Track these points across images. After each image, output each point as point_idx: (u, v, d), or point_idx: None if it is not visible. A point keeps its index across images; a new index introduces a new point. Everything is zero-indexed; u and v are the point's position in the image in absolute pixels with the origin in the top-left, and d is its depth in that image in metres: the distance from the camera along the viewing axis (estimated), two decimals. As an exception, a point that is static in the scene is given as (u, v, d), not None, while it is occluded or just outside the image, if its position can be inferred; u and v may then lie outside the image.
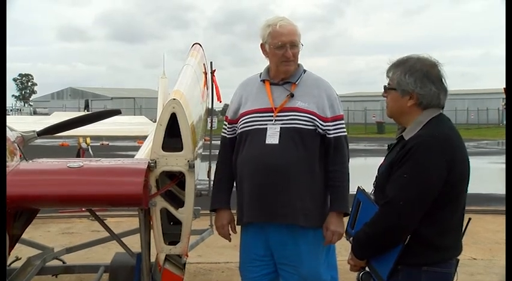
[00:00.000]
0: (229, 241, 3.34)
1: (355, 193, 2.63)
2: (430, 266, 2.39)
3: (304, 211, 3.08)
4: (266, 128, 3.12)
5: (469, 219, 2.55)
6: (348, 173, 3.18)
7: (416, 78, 2.44)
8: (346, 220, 3.11)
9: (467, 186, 2.51)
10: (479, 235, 7.29)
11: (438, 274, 2.41)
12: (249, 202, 3.14)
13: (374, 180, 2.61)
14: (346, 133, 3.22)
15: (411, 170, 2.35)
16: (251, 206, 3.14)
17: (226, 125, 3.33)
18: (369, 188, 2.61)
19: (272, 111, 3.14)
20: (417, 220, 2.35)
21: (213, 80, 3.80)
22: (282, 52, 3.13)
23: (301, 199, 3.07)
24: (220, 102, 3.92)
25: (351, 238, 2.56)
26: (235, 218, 3.28)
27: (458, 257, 2.51)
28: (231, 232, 3.30)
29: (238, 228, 3.30)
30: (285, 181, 3.06)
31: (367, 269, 2.51)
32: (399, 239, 2.36)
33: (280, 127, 3.10)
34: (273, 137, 3.10)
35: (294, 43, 3.14)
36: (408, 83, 2.45)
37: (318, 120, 3.11)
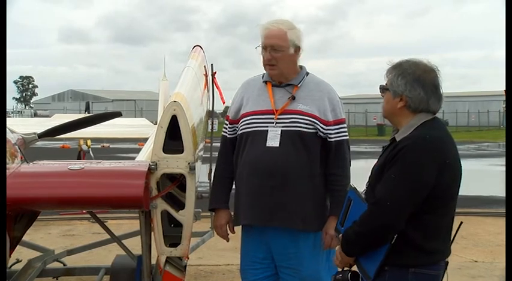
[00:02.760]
0: (227, 241, 3.33)
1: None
2: (417, 268, 2.41)
3: (303, 214, 3.07)
4: (267, 130, 3.11)
5: (461, 222, 2.56)
6: (349, 177, 3.16)
7: (407, 82, 2.48)
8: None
9: (458, 190, 2.52)
10: (480, 238, 7.29)
11: (425, 275, 2.42)
12: (247, 203, 3.14)
13: (368, 180, 2.63)
14: (348, 137, 3.21)
15: (400, 171, 2.37)
16: (249, 208, 3.13)
17: (227, 125, 3.31)
18: (363, 188, 2.63)
19: (273, 114, 3.13)
20: (404, 220, 2.36)
21: (213, 82, 3.80)
22: (263, 54, 3.14)
23: (299, 203, 3.07)
24: (224, 103, 3.93)
25: (340, 235, 2.57)
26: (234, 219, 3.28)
27: (447, 260, 2.52)
28: (229, 232, 3.30)
29: (236, 229, 3.30)
30: (284, 184, 3.05)
31: (352, 268, 2.53)
32: (386, 238, 2.38)
33: (281, 130, 3.09)
34: (273, 139, 3.09)
35: (274, 47, 3.11)
36: (399, 85, 2.49)
37: (319, 123, 3.10)
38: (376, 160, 2.63)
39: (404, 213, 2.36)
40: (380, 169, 2.49)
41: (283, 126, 3.10)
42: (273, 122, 3.12)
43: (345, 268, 2.55)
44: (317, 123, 3.10)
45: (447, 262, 2.51)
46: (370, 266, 2.44)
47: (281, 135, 3.08)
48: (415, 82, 2.47)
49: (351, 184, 2.64)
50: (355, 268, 2.54)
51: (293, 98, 3.15)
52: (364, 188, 2.61)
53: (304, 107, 3.12)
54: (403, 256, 2.39)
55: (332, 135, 3.13)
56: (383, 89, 2.57)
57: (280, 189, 3.05)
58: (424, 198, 2.37)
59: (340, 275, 2.54)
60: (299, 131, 3.08)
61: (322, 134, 3.11)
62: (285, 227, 3.09)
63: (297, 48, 3.16)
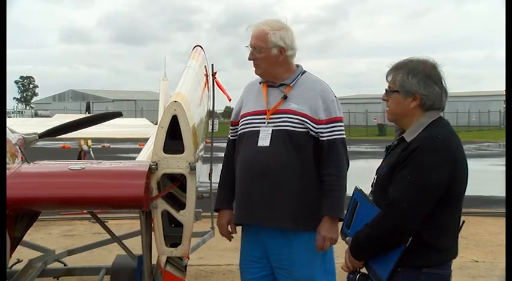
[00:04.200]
0: (230, 240, 3.35)
1: (352, 193, 2.63)
2: (430, 268, 2.40)
3: (293, 214, 3.07)
4: (259, 130, 3.13)
5: (463, 222, 2.55)
6: (344, 177, 3.13)
7: (420, 79, 2.45)
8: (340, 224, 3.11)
9: (466, 189, 2.51)
10: (481, 238, 7.29)
11: (438, 275, 2.42)
12: (239, 203, 3.19)
13: (372, 181, 2.60)
14: (343, 136, 3.16)
15: (415, 171, 2.35)
16: (242, 208, 3.18)
17: (230, 127, 3.38)
18: (366, 189, 2.61)
19: (266, 114, 3.15)
20: (420, 220, 2.35)
21: (214, 82, 3.80)
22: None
23: (289, 203, 3.06)
24: (230, 100, 3.95)
25: (347, 238, 2.55)
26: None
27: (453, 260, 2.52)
28: (232, 232, 3.32)
29: (238, 229, 3.32)
30: (274, 183, 3.06)
31: (363, 270, 2.51)
32: (402, 240, 2.36)
33: (272, 130, 3.11)
34: (264, 139, 3.10)
35: (255, 47, 3.17)
36: (412, 84, 2.45)
37: (309, 122, 3.09)
38: (381, 161, 2.61)
39: (420, 214, 2.34)
40: (390, 170, 2.45)
41: (274, 126, 3.11)
42: (264, 122, 3.13)
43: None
44: (307, 122, 3.09)
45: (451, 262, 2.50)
46: (382, 269, 2.41)
47: (272, 135, 3.09)
48: (427, 79, 2.45)
49: (356, 186, 2.61)
50: (364, 270, 2.52)
51: (285, 97, 3.16)
52: (370, 189, 2.59)
53: (296, 107, 3.12)
54: (416, 257, 2.37)
55: (324, 134, 3.10)
56: (392, 91, 2.52)
57: (271, 188, 3.06)
58: (439, 198, 2.36)
59: (351, 275, 2.52)
60: (289, 131, 3.08)
61: (313, 133, 3.10)
62: (278, 228, 3.09)
63: (282, 49, 3.16)
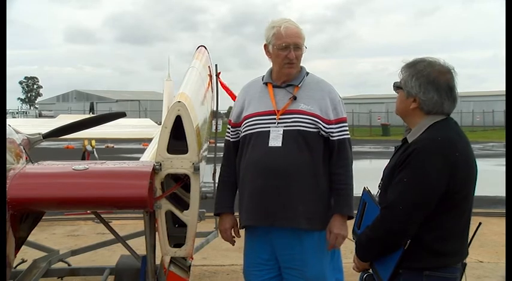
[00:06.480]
0: (233, 245, 3.33)
1: (360, 194, 2.64)
2: (431, 271, 2.38)
3: (307, 214, 3.07)
4: (269, 130, 3.12)
5: (480, 223, 2.52)
6: (352, 176, 3.17)
7: (421, 83, 2.43)
8: (350, 223, 3.11)
9: (474, 191, 2.47)
10: (486, 238, 7.26)
11: (440, 279, 2.39)
12: (250, 204, 3.14)
13: (379, 181, 2.60)
14: (349, 136, 3.21)
15: (411, 175, 2.34)
16: (252, 209, 3.14)
17: (229, 129, 3.33)
18: (374, 190, 2.61)
19: (275, 114, 3.13)
20: (417, 224, 2.34)
21: (218, 83, 3.80)
22: (285, 53, 3.12)
23: (304, 202, 3.06)
24: (235, 99, 3.93)
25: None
26: (238, 222, 3.28)
27: (466, 261, 2.49)
28: (234, 236, 3.30)
29: (242, 232, 3.30)
30: (288, 183, 3.05)
31: (370, 271, 2.51)
32: (399, 243, 2.35)
33: (283, 130, 3.10)
34: (276, 139, 3.09)
35: (297, 45, 3.14)
36: (413, 87, 2.45)
37: (321, 122, 3.11)
38: (388, 161, 2.59)
39: (417, 217, 2.33)
40: (390, 171, 2.45)
41: (285, 126, 3.10)
42: (274, 123, 3.12)
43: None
44: (319, 123, 3.10)
45: (465, 264, 2.47)
46: (384, 271, 2.41)
47: (283, 135, 3.09)
48: (429, 85, 2.41)
49: (365, 186, 2.61)
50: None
51: (294, 98, 3.15)
52: (378, 190, 2.59)
53: (306, 107, 3.12)
54: (417, 259, 2.36)
55: (334, 134, 3.13)
56: (397, 87, 2.53)
57: (284, 189, 3.05)
58: (437, 200, 2.33)
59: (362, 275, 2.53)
60: (301, 131, 3.08)
61: (324, 133, 3.11)
62: (290, 227, 3.08)
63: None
